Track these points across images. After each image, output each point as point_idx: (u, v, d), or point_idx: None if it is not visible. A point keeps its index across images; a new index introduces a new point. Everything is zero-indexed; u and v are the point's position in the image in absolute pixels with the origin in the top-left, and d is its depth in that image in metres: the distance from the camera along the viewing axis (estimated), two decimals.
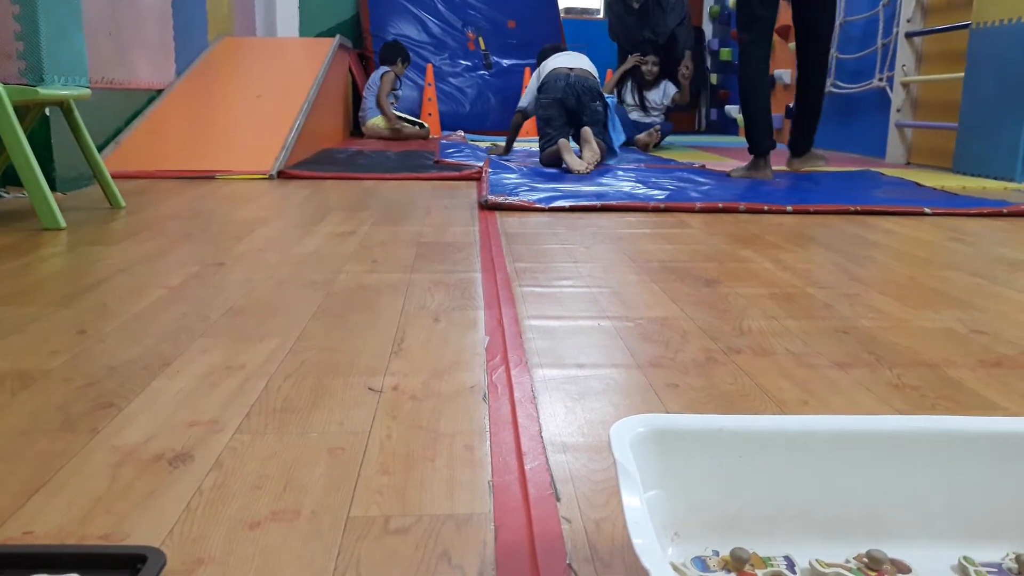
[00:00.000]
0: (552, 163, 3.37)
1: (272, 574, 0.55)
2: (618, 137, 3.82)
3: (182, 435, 0.77)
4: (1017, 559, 0.56)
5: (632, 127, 4.79)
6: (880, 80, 4.36)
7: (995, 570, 0.55)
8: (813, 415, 0.72)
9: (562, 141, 3.26)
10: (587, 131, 3.32)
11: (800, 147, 3.47)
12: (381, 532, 0.61)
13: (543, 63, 3.60)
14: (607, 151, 3.53)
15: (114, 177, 2.40)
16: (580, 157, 3.26)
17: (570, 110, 3.39)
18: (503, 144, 3.90)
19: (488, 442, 0.77)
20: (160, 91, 3.70)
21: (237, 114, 3.67)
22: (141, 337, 1.08)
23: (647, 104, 4.87)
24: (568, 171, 3.19)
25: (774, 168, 3.26)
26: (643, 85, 4.85)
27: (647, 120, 4.86)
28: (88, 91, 2.25)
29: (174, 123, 3.51)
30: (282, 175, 3.12)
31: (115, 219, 2.11)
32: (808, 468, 0.58)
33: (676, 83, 4.83)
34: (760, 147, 3.14)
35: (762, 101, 3.15)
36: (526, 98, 3.67)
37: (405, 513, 0.63)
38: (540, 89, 3.45)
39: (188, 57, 4.01)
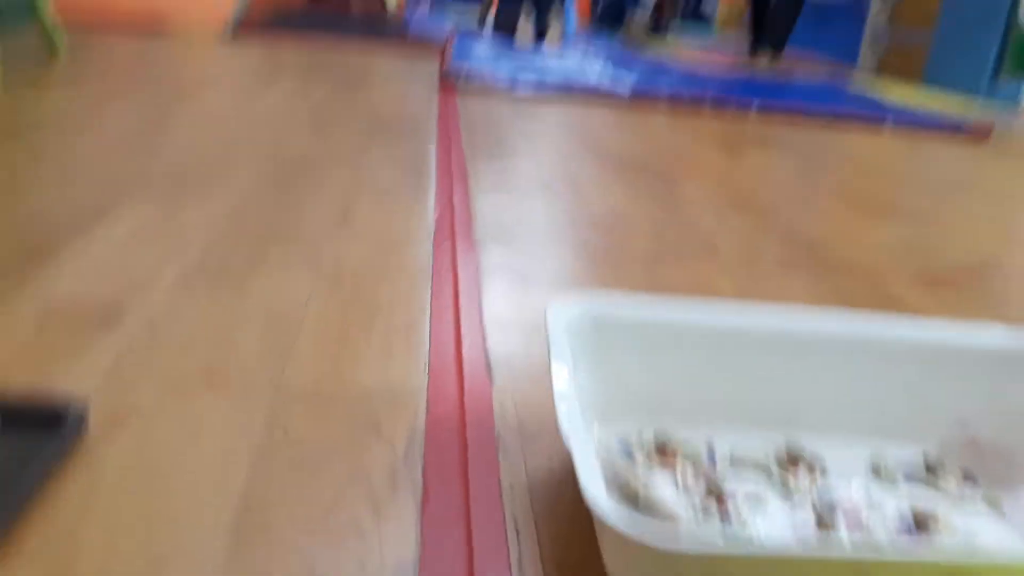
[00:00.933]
0: (506, 28, 3.64)
1: (199, 432, 0.55)
2: (570, 24, 4.10)
3: (113, 290, 0.75)
4: (926, 457, 0.58)
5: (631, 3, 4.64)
6: None
7: (906, 467, 0.58)
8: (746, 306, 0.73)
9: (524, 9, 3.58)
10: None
11: (772, 42, 3.64)
12: (312, 399, 0.61)
13: None
14: (562, 33, 3.79)
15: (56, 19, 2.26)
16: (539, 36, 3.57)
17: None
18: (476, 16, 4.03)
19: (428, 319, 0.76)
20: None
21: None
22: (75, 187, 1.04)
23: None
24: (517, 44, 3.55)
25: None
26: None
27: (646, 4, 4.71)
28: None
29: None
30: (239, 29, 2.97)
31: (54, 65, 1.99)
32: (735, 360, 0.59)
33: None
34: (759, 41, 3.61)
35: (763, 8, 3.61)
36: None
37: (338, 383, 0.63)
38: None
39: None
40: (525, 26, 3.57)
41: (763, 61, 3.58)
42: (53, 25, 2.17)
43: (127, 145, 1.29)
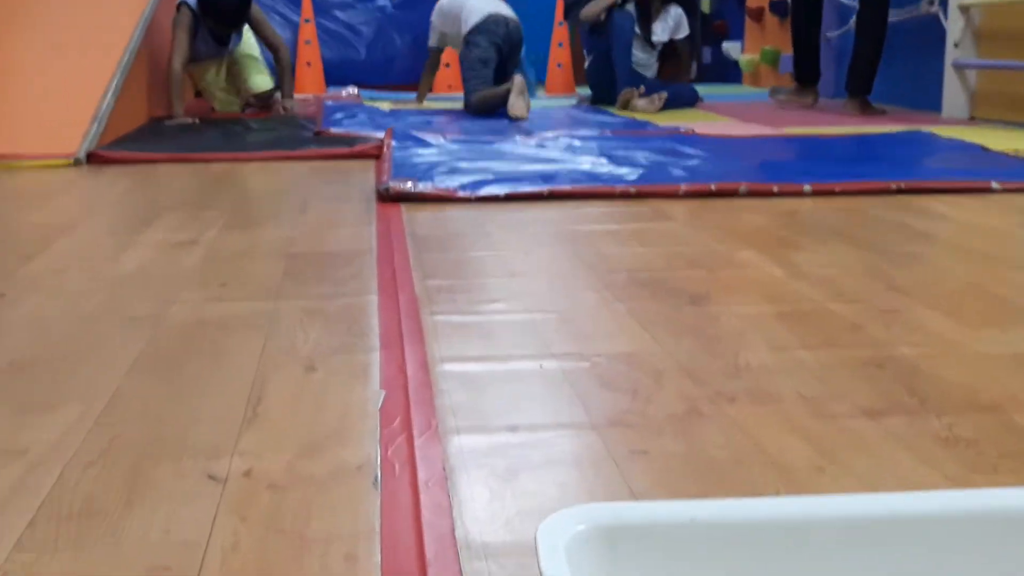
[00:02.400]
0: (487, 108, 4.35)
1: None
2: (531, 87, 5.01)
3: None
4: None
5: (629, 76, 4.80)
6: (931, 5, 4.48)
7: None
8: (823, 494, 0.73)
9: (517, 78, 4.25)
10: (521, 80, 4.26)
11: (854, 87, 4.46)
12: None
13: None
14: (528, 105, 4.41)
15: None
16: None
17: (502, 58, 4.45)
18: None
19: (378, 550, 0.77)
20: None
21: (29, 78, 3.61)
22: None
23: (652, 37, 4.89)
24: (511, 117, 4.20)
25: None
26: (649, 12, 4.85)
27: (648, 63, 4.91)
28: None
29: None
30: (93, 158, 3.08)
31: None
32: (812, 571, 0.59)
33: (690, 11, 5.00)
34: (804, 76, 4.45)
35: (812, 37, 4.44)
36: (434, 36, 4.72)
37: None
38: (476, 30, 4.41)
39: None
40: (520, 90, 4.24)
41: (846, 107, 4.42)
42: None
43: None
